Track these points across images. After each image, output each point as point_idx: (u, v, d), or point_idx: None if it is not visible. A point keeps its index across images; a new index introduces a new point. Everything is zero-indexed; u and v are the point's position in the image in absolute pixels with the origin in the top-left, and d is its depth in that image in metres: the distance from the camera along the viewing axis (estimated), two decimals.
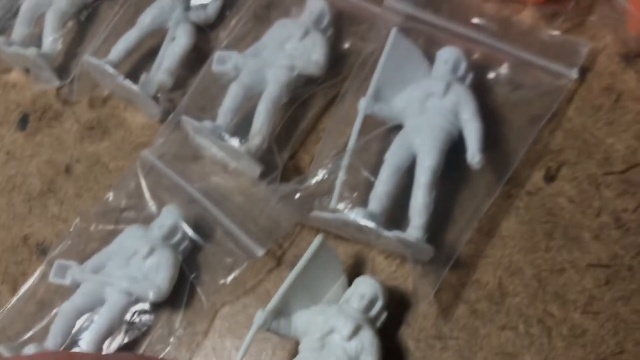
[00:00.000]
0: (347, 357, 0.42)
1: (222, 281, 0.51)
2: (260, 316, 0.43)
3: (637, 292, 0.44)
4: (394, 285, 0.48)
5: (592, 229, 0.46)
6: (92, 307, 0.50)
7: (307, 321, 0.44)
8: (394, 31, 0.51)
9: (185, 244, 0.52)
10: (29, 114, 0.63)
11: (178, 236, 0.51)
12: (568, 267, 0.46)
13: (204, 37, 0.61)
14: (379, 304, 0.45)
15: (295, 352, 0.44)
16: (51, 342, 0.49)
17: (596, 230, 0.46)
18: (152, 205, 0.54)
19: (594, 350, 0.43)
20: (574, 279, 0.45)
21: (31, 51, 0.61)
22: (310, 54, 0.54)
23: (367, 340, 0.43)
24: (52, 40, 0.62)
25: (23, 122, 0.63)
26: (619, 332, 0.43)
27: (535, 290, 0.46)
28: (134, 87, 0.56)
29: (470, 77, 0.51)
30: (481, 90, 0.51)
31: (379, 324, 0.45)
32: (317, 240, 0.44)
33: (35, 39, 0.64)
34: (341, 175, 0.48)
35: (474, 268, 0.47)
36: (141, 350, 0.50)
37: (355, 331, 0.43)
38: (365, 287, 0.45)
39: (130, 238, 0.51)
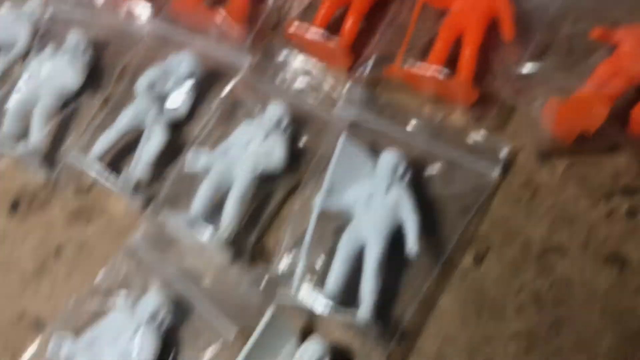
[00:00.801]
0: None
1: (199, 358, 0.58)
2: None
3: (552, 358, 0.53)
4: (349, 353, 0.56)
5: (514, 305, 0.55)
6: None
7: None
8: (342, 137, 0.60)
9: (166, 324, 0.59)
10: (19, 200, 0.70)
11: (160, 317, 0.58)
12: (495, 337, 0.54)
13: (177, 133, 0.68)
14: None
15: None
16: None
17: (517, 305, 0.55)
18: (136, 286, 0.61)
19: None
20: (500, 347, 0.54)
21: (21, 145, 0.67)
22: (272, 153, 0.62)
23: None
24: (39, 135, 0.69)
25: (14, 207, 0.69)
26: None
27: (468, 356, 0.54)
28: (116, 182, 0.63)
29: (408, 175, 0.59)
30: (418, 185, 0.59)
31: None
32: (268, 312, 0.54)
33: (24, 133, 0.70)
34: (300, 265, 0.56)
35: (417, 338, 0.55)
36: None
37: None
38: (315, 346, 0.53)
39: (118, 318, 0.59)
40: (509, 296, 0.55)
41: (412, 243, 0.55)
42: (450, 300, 0.56)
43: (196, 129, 0.68)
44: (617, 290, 0.54)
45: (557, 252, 0.56)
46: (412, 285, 0.57)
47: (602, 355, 0.52)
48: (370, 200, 0.58)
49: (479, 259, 0.57)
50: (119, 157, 0.69)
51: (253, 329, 0.57)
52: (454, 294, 0.56)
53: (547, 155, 0.60)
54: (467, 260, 0.57)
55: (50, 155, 0.71)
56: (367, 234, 0.56)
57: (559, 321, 0.54)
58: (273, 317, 0.53)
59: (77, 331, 0.60)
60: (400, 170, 0.59)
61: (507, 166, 0.60)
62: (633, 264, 0.54)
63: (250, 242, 0.61)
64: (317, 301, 0.54)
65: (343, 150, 0.59)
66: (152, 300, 0.59)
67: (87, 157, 0.65)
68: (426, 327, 0.56)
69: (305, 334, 0.57)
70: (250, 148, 0.63)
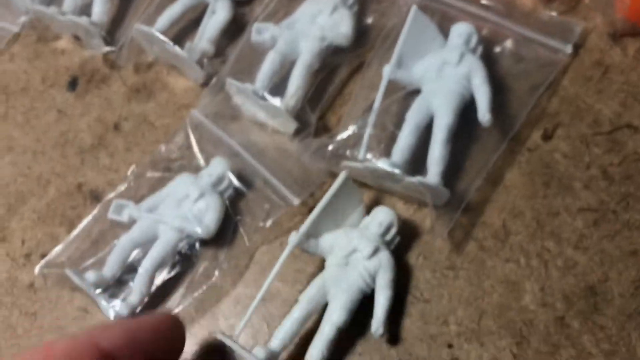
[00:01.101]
0: (367, 273, 0.51)
1: (261, 224, 0.58)
2: (294, 237, 0.51)
3: (620, 232, 0.52)
4: (412, 225, 0.56)
5: (582, 180, 0.54)
6: (146, 241, 0.57)
7: (332, 242, 0.52)
8: (414, 8, 0.58)
9: (230, 190, 0.59)
10: (78, 77, 0.69)
11: (225, 184, 0.58)
12: (562, 211, 0.54)
13: (241, 11, 0.68)
14: (393, 230, 0.53)
15: None
16: (108, 269, 0.57)
17: (586, 180, 0.54)
18: (199, 157, 0.61)
19: (583, 279, 0.51)
20: (567, 220, 0.53)
21: (84, 19, 0.67)
22: (339, 26, 0.61)
23: (384, 259, 0.51)
24: (101, 11, 0.69)
25: (72, 84, 0.69)
26: (604, 264, 0.51)
27: (534, 229, 0.53)
28: (182, 53, 0.63)
29: (480, 49, 0.58)
30: (488, 62, 0.58)
31: (392, 246, 0.53)
32: (342, 174, 0.52)
33: (84, 9, 0.70)
34: (368, 130, 0.55)
35: (482, 211, 0.55)
36: (188, 280, 0.57)
37: (375, 252, 0.51)
38: (383, 215, 0.53)
39: (182, 184, 0.58)
40: (578, 171, 0.55)
41: (484, 111, 0.54)
42: (518, 175, 0.56)
43: (259, 8, 0.67)
44: None
45: (628, 129, 0.55)
46: (479, 159, 0.56)
47: None
48: (442, 70, 0.57)
49: (547, 136, 0.56)
50: (181, 34, 0.68)
51: (315, 198, 0.57)
52: (522, 169, 0.56)
53: (619, 36, 0.59)
54: (536, 136, 0.57)
55: (111, 32, 0.71)
56: (438, 104, 0.56)
57: (628, 197, 0.53)
58: (344, 182, 0.52)
59: (137, 200, 0.60)
60: (473, 41, 0.58)
61: (579, 45, 0.59)
62: None
63: (314, 117, 0.60)
64: (384, 166, 0.53)
65: (414, 22, 0.58)
66: (216, 167, 0.59)
67: (151, 30, 0.64)
68: (492, 200, 0.55)
69: (369, 207, 0.56)
70: (317, 21, 0.62)
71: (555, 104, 0.57)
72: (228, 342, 0.51)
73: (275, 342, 0.50)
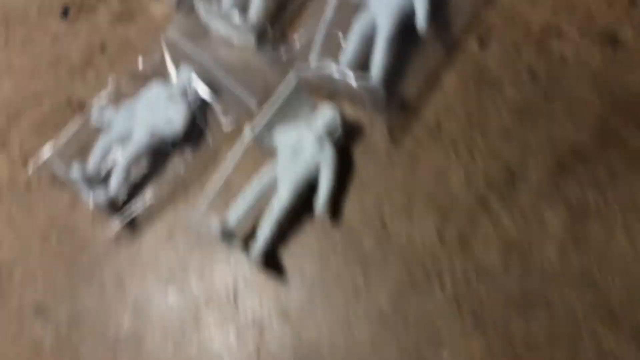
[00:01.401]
0: (313, 161, 0.58)
1: (224, 128, 0.65)
2: (249, 131, 0.58)
3: (543, 124, 0.58)
4: (356, 124, 0.62)
5: (511, 80, 0.60)
6: (122, 140, 0.65)
7: (282, 136, 0.59)
8: None
9: (197, 98, 0.65)
10: (70, 6, 0.77)
11: (191, 90, 0.65)
12: (491, 108, 0.59)
13: None
14: (337, 124, 0.59)
15: None
16: (91, 162, 0.65)
17: (515, 80, 0.60)
18: (172, 70, 0.68)
19: (505, 165, 0.57)
20: (494, 115, 0.59)
21: None
22: None
23: (328, 150, 0.58)
24: None
25: (65, 13, 0.76)
26: (525, 152, 0.57)
27: (464, 125, 0.59)
28: None
29: None
30: None
31: (336, 139, 0.60)
32: (292, 75, 0.59)
33: None
34: (319, 38, 0.62)
35: (418, 111, 0.61)
36: (159, 175, 0.65)
37: (319, 143, 0.58)
38: (328, 111, 0.59)
39: (154, 91, 0.65)
40: (508, 73, 0.60)
41: (421, 21, 0.60)
42: (453, 78, 0.61)
43: None
44: (609, 67, 0.58)
45: (556, 35, 0.60)
46: (419, 65, 0.62)
47: (590, 121, 0.57)
48: None
49: (483, 43, 0.62)
50: None
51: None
52: (457, 72, 0.61)
53: None
54: (472, 44, 0.62)
55: None
56: (380, 14, 0.61)
57: (551, 94, 0.58)
58: (294, 83, 0.58)
59: (117, 106, 0.67)
60: None
61: None
62: (626, 45, 0.58)
63: (275, 33, 0.67)
64: (332, 69, 0.59)
65: None
66: (183, 74, 0.65)
67: None
68: (428, 102, 0.61)
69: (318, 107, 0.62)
70: None
71: (491, 15, 0.63)
72: (193, 220, 0.58)
73: (230, 217, 0.57)
